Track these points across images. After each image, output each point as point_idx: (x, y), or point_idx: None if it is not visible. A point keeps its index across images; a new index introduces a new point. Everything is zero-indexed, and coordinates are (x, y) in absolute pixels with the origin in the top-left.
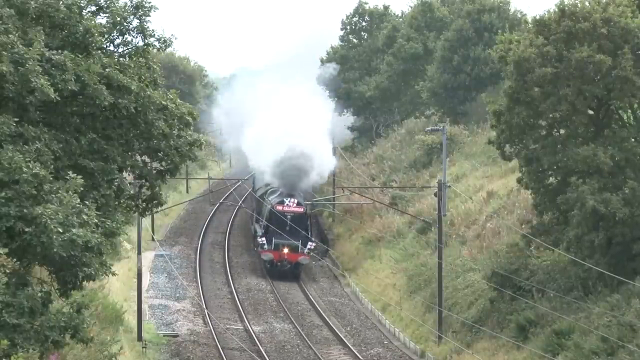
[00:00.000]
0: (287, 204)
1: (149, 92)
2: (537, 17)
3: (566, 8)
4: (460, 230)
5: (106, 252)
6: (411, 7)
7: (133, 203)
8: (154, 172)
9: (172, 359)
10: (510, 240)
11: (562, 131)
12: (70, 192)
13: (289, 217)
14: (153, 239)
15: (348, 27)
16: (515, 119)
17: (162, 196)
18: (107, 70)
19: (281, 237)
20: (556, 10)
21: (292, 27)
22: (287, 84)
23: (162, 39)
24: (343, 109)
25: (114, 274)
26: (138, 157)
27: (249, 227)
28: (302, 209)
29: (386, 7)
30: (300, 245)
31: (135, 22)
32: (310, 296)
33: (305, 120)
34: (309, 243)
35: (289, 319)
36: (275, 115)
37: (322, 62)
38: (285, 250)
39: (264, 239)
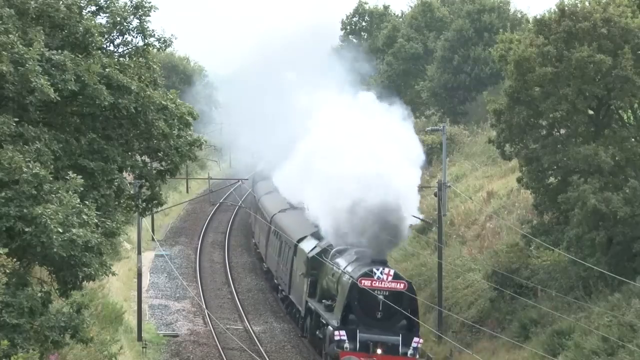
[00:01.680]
0: (379, 277)
1: (149, 92)
2: (538, 17)
3: (566, 8)
4: (460, 230)
5: (106, 252)
6: (411, 7)
7: (133, 203)
8: (154, 172)
9: (172, 359)
10: (510, 240)
11: (562, 131)
12: (70, 192)
13: (382, 297)
14: (153, 239)
15: (348, 27)
16: (515, 118)
17: (162, 196)
18: (107, 70)
19: (370, 329)
20: (556, 10)
21: (291, 27)
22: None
23: (162, 39)
24: None
25: (114, 274)
26: (138, 157)
27: (249, 229)
28: (402, 285)
29: (386, 7)
30: (401, 342)
31: (135, 22)
32: None
33: (382, 140)
34: (415, 339)
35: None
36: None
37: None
38: (379, 352)
39: (342, 332)
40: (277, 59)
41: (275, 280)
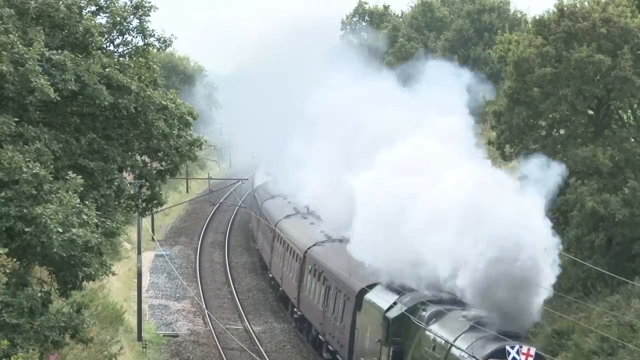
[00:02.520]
0: (515, 359)
1: (149, 92)
2: (537, 17)
3: (565, 8)
4: None
5: (106, 252)
6: (411, 7)
7: (133, 203)
8: (154, 172)
9: (172, 359)
10: None
11: (562, 131)
12: (70, 192)
13: None
14: (153, 239)
15: (348, 27)
16: (515, 119)
17: (162, 196)
18: (107, 70)
19: None
20: (555, 10)
21: (291, 27)
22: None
23: (162, 39)
24: None
25: (114, 274)
26: (138, 157)
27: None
28: None
29: (386, 7)
30: None
31: (135, 22)
32: None
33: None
34: None
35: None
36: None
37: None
38: None
39: None
40: (279, 50)
41: (321, 337)
